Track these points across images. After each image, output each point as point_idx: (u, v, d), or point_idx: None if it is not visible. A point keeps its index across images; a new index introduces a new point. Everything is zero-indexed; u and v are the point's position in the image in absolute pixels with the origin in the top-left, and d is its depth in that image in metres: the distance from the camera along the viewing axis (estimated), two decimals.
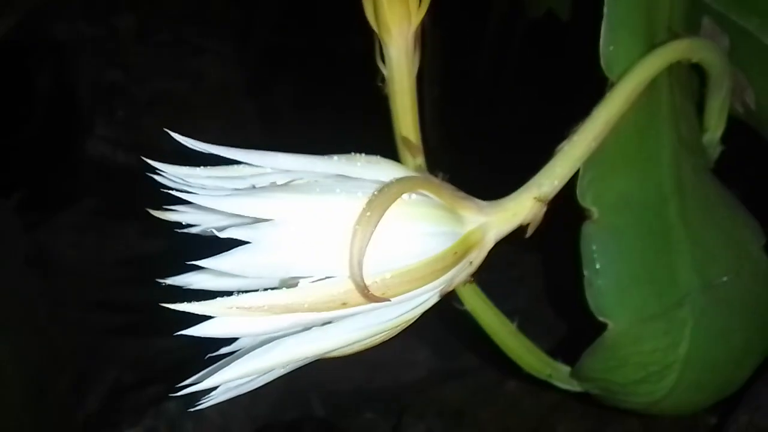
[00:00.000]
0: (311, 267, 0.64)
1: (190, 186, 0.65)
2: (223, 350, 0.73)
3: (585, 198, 0.98)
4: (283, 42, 2.64)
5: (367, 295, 0.66)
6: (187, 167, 0.67)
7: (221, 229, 0.60)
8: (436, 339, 2.24)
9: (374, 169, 0.73)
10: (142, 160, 0.71)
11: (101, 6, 2.79)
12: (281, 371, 0.74)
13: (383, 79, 0.81)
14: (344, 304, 0.66)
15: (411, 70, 0.79)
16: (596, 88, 0.96)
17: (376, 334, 0.75)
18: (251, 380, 0.73)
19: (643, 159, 1.01)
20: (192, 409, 0.72)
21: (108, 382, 2.18)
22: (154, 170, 0.69)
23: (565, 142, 0.88)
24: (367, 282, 0.66)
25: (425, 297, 0.76)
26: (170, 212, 0.74)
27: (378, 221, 0.66)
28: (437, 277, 0.73)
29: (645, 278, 1.02)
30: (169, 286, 0.73)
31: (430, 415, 2.10)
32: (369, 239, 0.65)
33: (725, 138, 1.24)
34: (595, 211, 0.98)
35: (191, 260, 0.65)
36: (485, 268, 0.94)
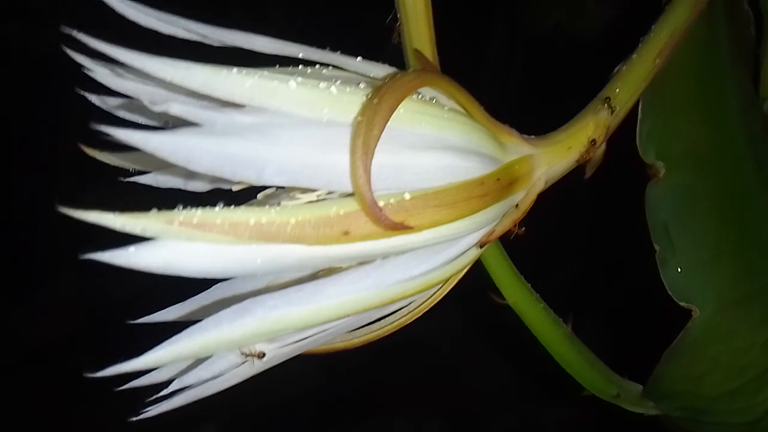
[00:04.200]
0: (295, 170, 0.43)
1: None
2: None
3: (647, 151, 0.78)
4: None
5: (379, 216, 0.45)
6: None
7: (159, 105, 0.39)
8: (450, 408, 1.97)
9: (379, 68, 0.54)
10: None
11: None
12: (261, 364, 0.52)
13: None
14: (346, 234, 0.45)
15: None
16: None
17: (394, 301, 0.53)
18: (219, 372, 0.51)
19: (709, 103, 0.82)
20: (135, 418, 0.50)
21: None
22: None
23: (622, 63, 0.69)
24: (378, 201, 0.46)
25: (462, 245, 0.54)
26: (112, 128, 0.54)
27: (390, 113, 0.46)
28: (474, 210, 0.52)
29: (729, 250, 0.80)
30: None
31: None
32: (378, 137, 0.45)
33: None
34: (661, 167, 0.78)
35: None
36: (526, 251, 0.73)
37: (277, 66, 0.53)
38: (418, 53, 0.62)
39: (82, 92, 0.52)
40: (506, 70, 1.81)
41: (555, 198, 0.68)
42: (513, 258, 0.81)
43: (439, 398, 1.91)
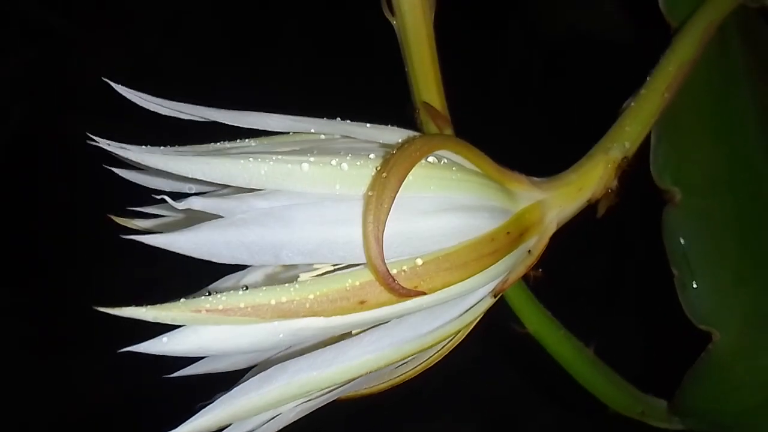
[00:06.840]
0: (310, 249, 0.46)
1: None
2: None
3: (663, 177, 0.79)
4: None
5: (393, 286, 0.47)
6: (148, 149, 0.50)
7: (180, 199, 0.42)
8: (485, 411, 1.97)
9: (389, 133, 0.56)
10: None
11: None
12: (291, 416, 0.55)
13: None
14: (362, 303, 0.48)
15: (426, 11, 0.63)
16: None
17: (413, 354, 0.56)
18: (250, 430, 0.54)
19: (724, 122, 0.82)
20: None
21: None
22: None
23: (631, 99, 0.70)
24: (392, 269, 0.48)
25: (475, 297, 0.56)
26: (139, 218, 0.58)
27: (398, 186, 0.48)
28: (486, 266, 0.54)
29: (750, 273, 0.81)
30: None
31: None
32: (388, 210, 0.48)
33: None
34: (677, 192, 0.78)
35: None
36: (545, 279, 0.75)
37: (291, 133, 0.56)
38: (428, 106, 0.63)
39: (112, 168, 0.55)
40: (517, 84, 1.81)
41: (572, 224, 0.70)
42: (531, 285, 0.83)
43: (461, 422, 1.91)
